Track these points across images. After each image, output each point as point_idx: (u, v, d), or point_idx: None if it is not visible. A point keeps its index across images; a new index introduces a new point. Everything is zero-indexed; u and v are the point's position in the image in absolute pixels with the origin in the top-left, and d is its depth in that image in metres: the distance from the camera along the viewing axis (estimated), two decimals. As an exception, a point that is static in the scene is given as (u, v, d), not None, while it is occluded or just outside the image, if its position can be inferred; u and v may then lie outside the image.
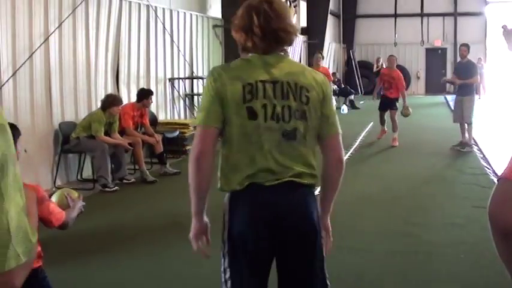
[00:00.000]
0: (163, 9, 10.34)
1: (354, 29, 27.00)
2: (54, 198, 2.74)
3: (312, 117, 2.23)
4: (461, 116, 10.13)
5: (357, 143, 11.14)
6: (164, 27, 10.25)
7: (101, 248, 5.02)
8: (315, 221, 2.23)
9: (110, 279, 4.31)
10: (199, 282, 4.14)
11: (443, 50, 26.27)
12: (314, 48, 17.67)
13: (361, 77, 25.28)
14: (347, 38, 26.61)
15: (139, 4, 9.55)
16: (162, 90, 10.47)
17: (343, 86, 21.16)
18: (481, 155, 9.50)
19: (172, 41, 10.60)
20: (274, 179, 2.16)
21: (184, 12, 11.24)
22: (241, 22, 2.24)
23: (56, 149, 7.52)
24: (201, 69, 11.95)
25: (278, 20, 2.21)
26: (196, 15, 11.78)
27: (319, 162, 2.31)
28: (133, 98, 8.57)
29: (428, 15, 24.98)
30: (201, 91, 10.46)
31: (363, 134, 12.47)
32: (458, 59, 11.08)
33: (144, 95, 8.24)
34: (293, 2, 18.91)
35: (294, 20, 19.28)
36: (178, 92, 11.06)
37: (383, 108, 11.12)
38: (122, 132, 7.94)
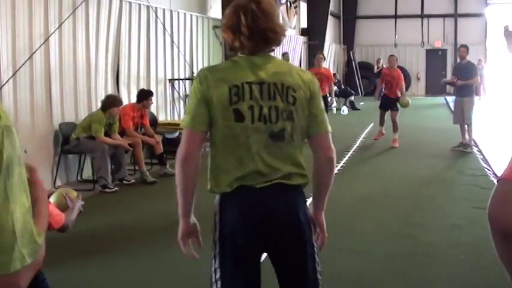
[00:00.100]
0: (164, 9, 10.34)
1: (354, 30, 27.00)
2: (52, 199, 2.68)
3: (299, 117, 2.23)
4: (462, 117, 10.14)
5: (357, 144, 11.14)
6: (164, 28, 10.25)
7: (101, 248, 5.02)
8: (303, 220, 2.24)
9: (109, 280, 4.31)
10: (199, 283, 4.13)
11: (444, 51, 26.27)
12: (314, 49, 17.67)
13: (362, 78, 25.28)
14: (347, 39, 26.62)
15: (140, 5, 9.55)
16: (162, 91, 10.48)
17: (343, 87, 21.17)
18: (481, 156, 9.51)
19: (172, 41, 10.60)
20: (263, 181, 2.17)
21: (185, 13, 11.25)
22: (229, 21, 2.23)
23: (56, 150, 7.52)
24: (201, 70, 11.93)
25: (266, 19, 2.20)
26: (197, 16, 11.78)
27: (310, 160, 2.32)
28: (134, 99, 8.57)
29: (429, 16, 24.99)
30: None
31: (363, 135, 12.47)
32: (458, 60, 11.08)
33: (144, 95, 8.24)
34: (293, 2, 18.92)
35: (294, 20, 19.33)
36: (179, 93, 11.06)
37: (384, 107, 11.11)
38: (122, 133, 7.94)
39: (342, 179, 7.72)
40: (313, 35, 20.03)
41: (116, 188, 7.28)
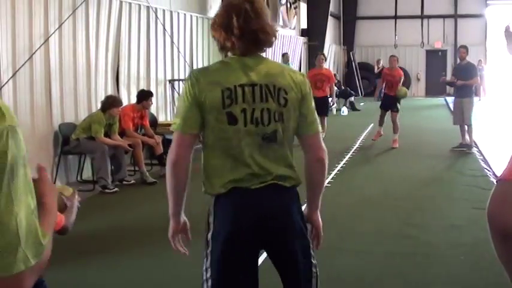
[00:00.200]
0: (164, 10, 10.35)
1: (354, 31, 27.02)
2: None
3: (290, 118, 2.24)
4: (461, 118, 10.15)
5: (356, 145, 11.14)
6: (164, 28, 10.25)
7: (101, 249, 5.02)
8: (299, 220, 2.25)
9: (109, 280, 4.31)
10: (199, 283, 4.13)
11: (444, 52, 26.29)
12: (314, 50, 17.68)
13: (362, 79, 25.30)
14: (347, 39, 26.64)
15: (140, 5, 9.55)
16: (162, 92, 10.48)
17: (343, 87, 21.18)
18: (481, 157, 9.51)
19: (172, 42, 10.61)
20: (258, 182, 2.18)
21: (185, 14, 11.25)
22: (220, 21, 2.21)
23: (56, 150, 7.52)
24: (201, 71, 11.94)
25: (258, 20, 2.19)
26: (197, 17, 11.78)
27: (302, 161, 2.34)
28: (133, 100, 8.57)
29: (429, 17, 25.01)
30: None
31: (363, 135, 12.48)
32: (458, 61, 11.09)
33: (144, 96, 8.24)
34: (293, 3, 18.92)
35: (294, 21, 19.33)
36: (179, 94, 11.05)
37: (385, 107, 11.11)
38: (122, 133, 7.94)
39: (342, 179, 7.73)
40: (313, 35, 20.05)
41: (116, 189, 7.28)
